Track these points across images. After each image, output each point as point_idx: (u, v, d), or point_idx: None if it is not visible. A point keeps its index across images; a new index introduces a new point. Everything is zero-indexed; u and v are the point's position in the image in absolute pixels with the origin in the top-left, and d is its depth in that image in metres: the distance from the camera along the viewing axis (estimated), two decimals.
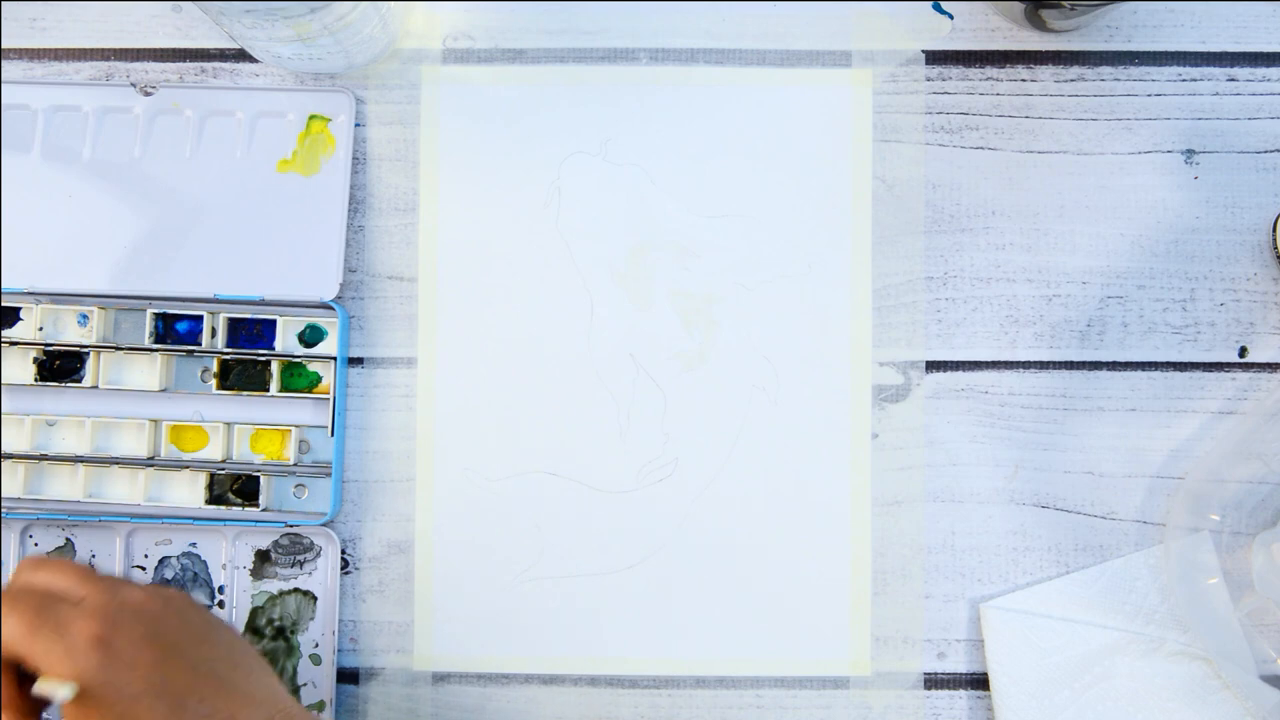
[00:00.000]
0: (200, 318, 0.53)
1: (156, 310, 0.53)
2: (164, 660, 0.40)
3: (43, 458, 0.52)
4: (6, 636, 0.39)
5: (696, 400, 0.54)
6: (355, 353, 0.54)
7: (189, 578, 0.53)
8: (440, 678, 0.53)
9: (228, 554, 0.53)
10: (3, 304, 0.53)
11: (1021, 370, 0.54)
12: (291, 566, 0.53)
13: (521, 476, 0.54)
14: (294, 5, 0.45)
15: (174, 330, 0.53)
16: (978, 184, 0.54)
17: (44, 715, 0.41)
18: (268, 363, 0.53)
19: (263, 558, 0.53)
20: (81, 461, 0.52)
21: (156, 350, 0.53)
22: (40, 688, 0.38)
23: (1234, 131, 0.54)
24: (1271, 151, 0.54)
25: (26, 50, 0.55)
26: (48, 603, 0.40)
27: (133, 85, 0.54)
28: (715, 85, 0.55)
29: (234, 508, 0.52)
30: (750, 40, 0.55)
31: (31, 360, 0.53)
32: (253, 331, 0.53)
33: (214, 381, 0.53)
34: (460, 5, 0.55)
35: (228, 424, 0.53)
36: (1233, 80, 0.54)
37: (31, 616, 0.39)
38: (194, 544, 0.53)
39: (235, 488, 0.53)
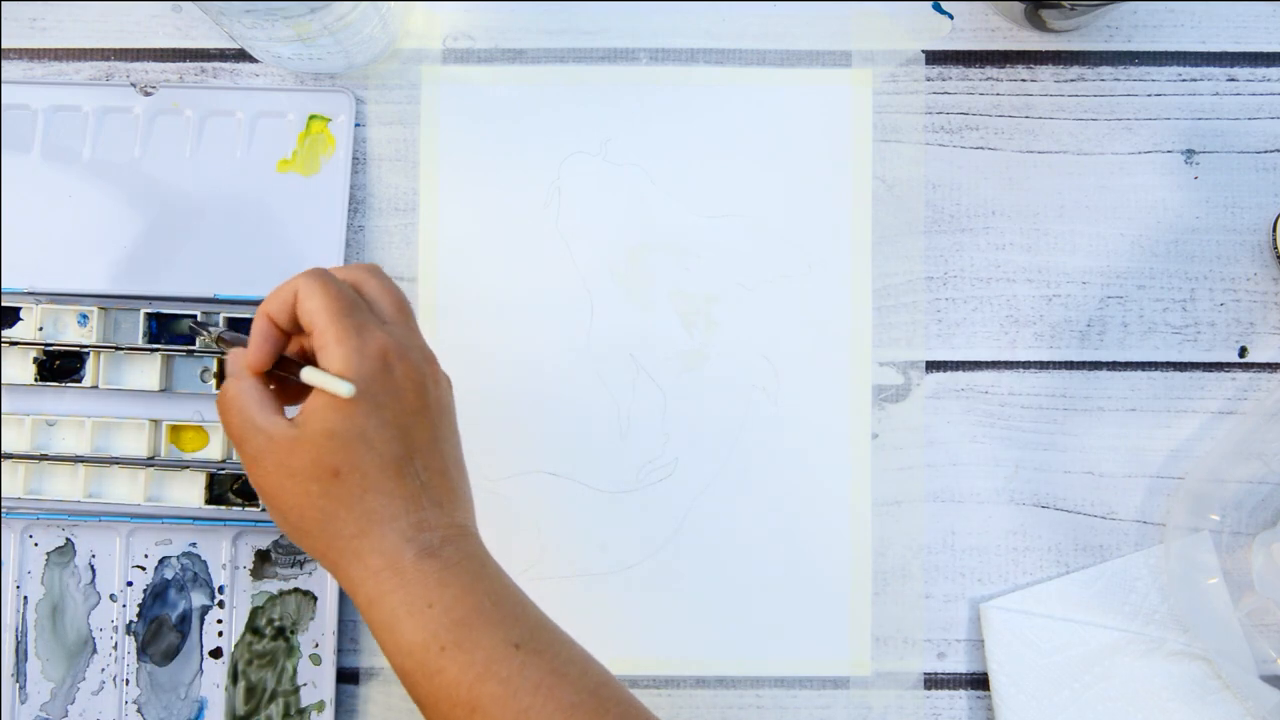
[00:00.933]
0: (195, 318, 0.53)
1: (150, 310, 0.53)
2: (421, 413, 0.40)
3: (43, 458, 0.52)
4: (315, 308, 0.39)
5: (696, 400, 0.54)
6: None
7: (189, 578, 0.53)
8: None
9: (228, 554, 0.53)
10: (3, 304, 0.53)
11: (1021, 370, 0.54)
12: (291, 566, 0.53)
13: (521, 476, 0.54)
14: (294, 5, 0.45)
15: (168, 330, 0.53)
16: (978, 184, 0.54)
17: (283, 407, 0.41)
18: None
19: (263, 558, 0.53)
20: (81, 461, 0.52)
21: (156, 350, 0.53)
22: (319, 378, 0.39)
23: (1234, 131, 0.54)
24: (1271, 151, 0.54)
25: (26, 50, 0.55)
26: (362, 304, 0.41)
27: (133, 85, 0.54)
28: (715, 85, 0.55)
29: (234, 508, 0.52)
30: (750, 40, 0.55)
31: (31, 360, 0.53)
32: None
33: (214, 382, 0.53)
34: (460, 5, 0.55)
35: None
36: (1233, 80, 0.54)
37: (345, 304, 0.40)
38: (194, 544, 0.53)
39: (235, 488, 0.53)
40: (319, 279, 0.40)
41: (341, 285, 0.41)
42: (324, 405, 0.39)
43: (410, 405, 0.40)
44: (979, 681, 0.53)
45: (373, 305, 0.42)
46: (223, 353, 0.51)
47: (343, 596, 0.53)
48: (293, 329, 0.41)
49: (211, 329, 0.48)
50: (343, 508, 0.39)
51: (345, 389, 0.38)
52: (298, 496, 0.39)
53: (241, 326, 0.52)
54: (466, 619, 0.38)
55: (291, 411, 0.41)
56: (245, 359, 0.41)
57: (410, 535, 0.39)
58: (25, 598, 0.53)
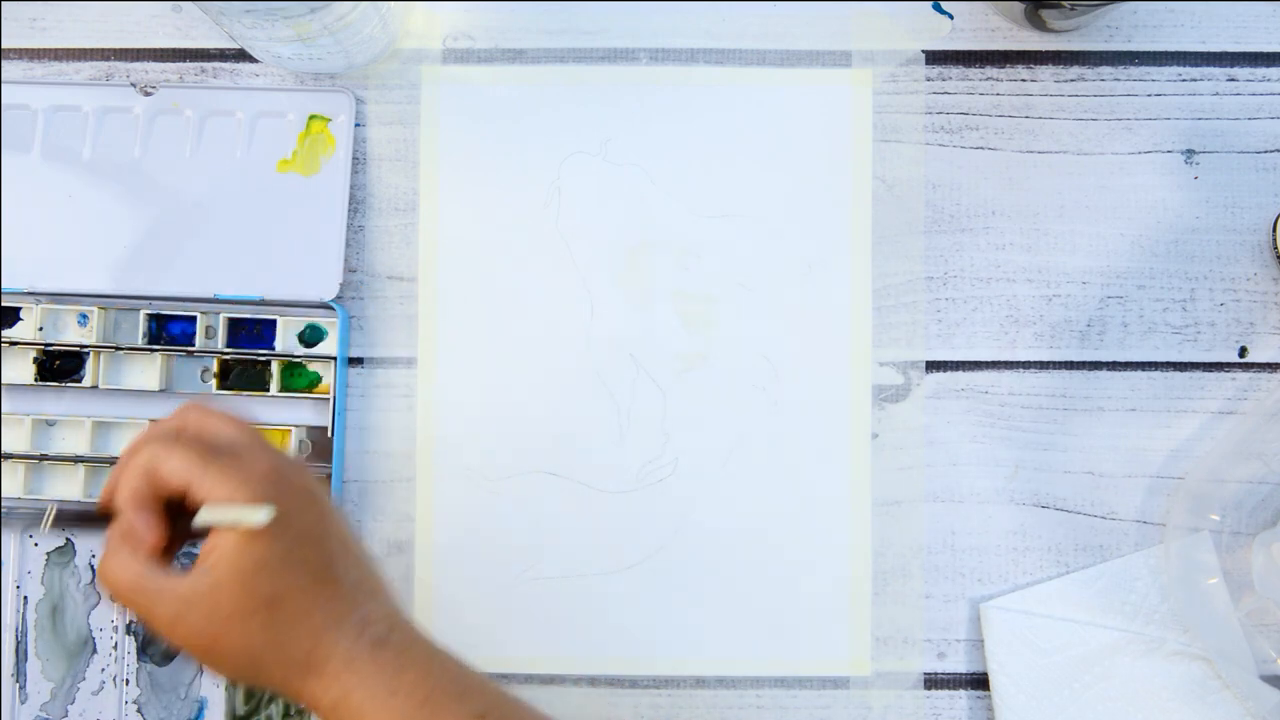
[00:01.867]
0: (194, 319, 0.53)
1: (150, 311, 0.53)
2: (323, 519, 0.40)
3: (43, 458, 0.52)
4: (170, 468, 0.38)
5: (696, 400, 0.54)
6: (355, 353, 0.54)
7: None
8: None
9: None
10: (3, 304, 0.53)
11: (1021, 370, 0.54)
12: None
13: (521, 476, 0.53)
14: (294, 5, 0.45)
15: (167, 330, 0.53)
16: (978, 184, 0.54)
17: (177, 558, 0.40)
18: (268, 363, 0.53)
19: None
20: (81, 461, 0.52)
21: (156, 350, 0.53)
22: (229, 514, 0.37)
23: (1234, 131, 0.54)
24: (1271, 151, 0.54)
25: (26, 50, 0.55)
26: (218, 442, 0.40)
27: (133, 85, 0.54)
28: (715, 85, 0.55)
29: None
30: (750, 40, 0.55)
31: (31, 360, 0.53)
32: (253, 331, 0.53)
33: (214, 381, 0.53)
34: (460, 5, 0.55)
35: None
36: (1233, 80, 0.54)
37: (202, 449, 0.39)
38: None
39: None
40: (163, 440, 0.39)
41: (186, 435, 0.40)
42: (233, 543, 0.38)
43: (313, 512, 0.40)
44: (979, 681, 0.53)
45: (219, 438, 0.40)
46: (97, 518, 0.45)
47: None
48: (160, 502, 0.40)
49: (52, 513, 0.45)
50: (290, 631, 0.38)
51: (263, 515, 0.37)
52: (241, 637, 0.38)
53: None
54: (430, 698, 0.39)
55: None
56: (142, 543, 0.39)
57: (359, 632, 0.39)
58: (25, 598, 0.53)
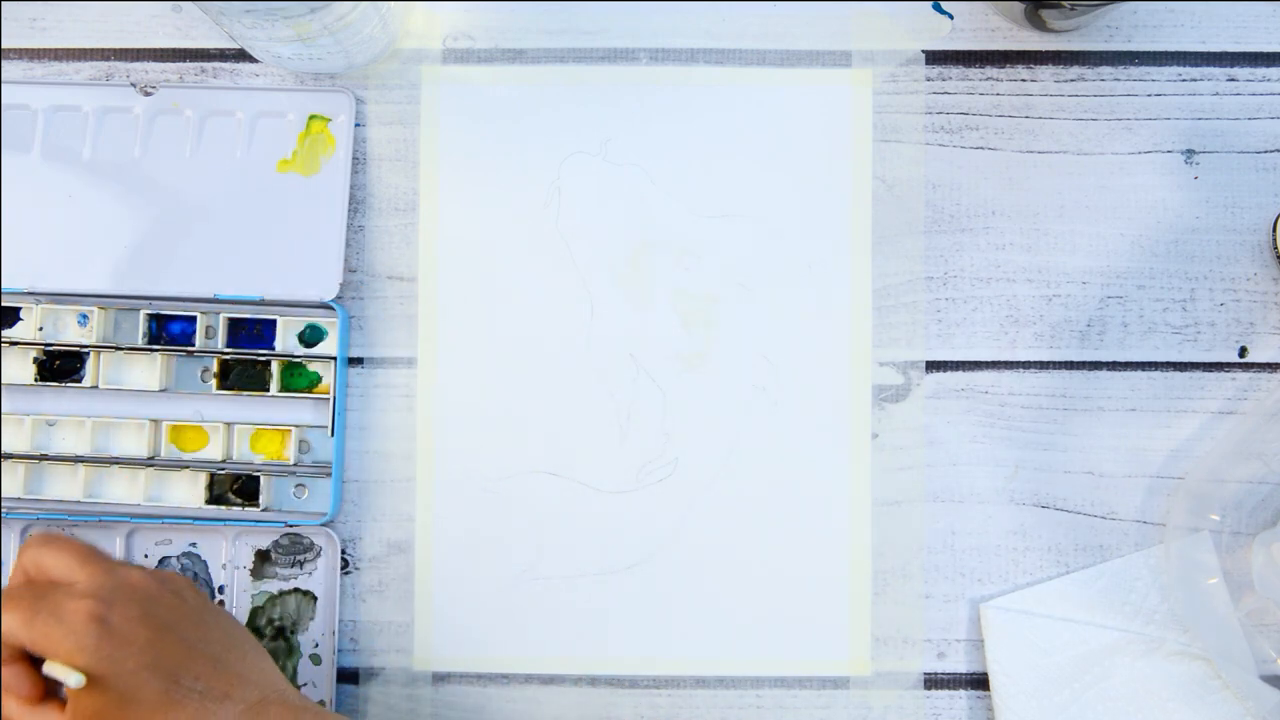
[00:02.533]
0: (194, 318, 0.53)
1: (151, 311, 0.53)
2: (159, 638, 0.41)
3: (43, 458, 0.52)
4: (7, 629, 0.40)
5: (696, 400, 0.54)
6: (355, 353, 0.54)
7: (189, 578, 0.53)
8: (440, 678, 0.53)
9: (228, 554, 0.53)
10: (3, 304, 0.53)
11: (1021, 370, 0.54)
12: (291, 566, 0.53)
13: (521, 476, 0.54)
14: (294, 5, 0.45)
15: (167, 330, 0.53)
16: (978, 184, 0.54)
17: (61, 694, 0.42)
18: (268, 363, 0.53)
19: (263, 558, 0.53)
20: (81, 461, 0.52)
21: (156, 350, 0.53)
22: (50, 670, 0.40)
23: (1234, 131, 0.54)
24: (1271, 151, 0.54)
25: (26, 50, 0.55)
26: (45, 590, 0.41)
27: (133, 85, 0.54)
28: (715, 85, 0.55)
29: (234, 508, 0.52)
30: (750, 40, 0.55)
31: (31, 360, 0.53)
32: (253, 331, 0.53)
33: (214, 381, 0.53)
34: (460, 5, 0.55)
35: (228, 424, 0.53)
36: (1233, 80, 0.54)
37: (29, 604, 0.40)
38: (194, 544, 0.53)
39: (235, 488, 0.53)
40: (7, 596, 0.41)
41: (16, 590, 0.41)
42: (72, 695, 0.40)
43: (144, 640, 0.41)
44: (979, 681, 0.53)
45: (55, 574, 0.42)
46: None
47: (343, 597, 0.53)
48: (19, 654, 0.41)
49: None
50: None
51: (75, 680, 0.39)
52: None
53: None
54: None
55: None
56: (21, 693, 0.41)
57: None
58: None
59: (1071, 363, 0.54)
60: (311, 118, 0.54)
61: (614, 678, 0.53)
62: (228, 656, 0.42)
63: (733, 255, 0.54)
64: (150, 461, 0.53)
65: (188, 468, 0.53)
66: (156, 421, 0.53)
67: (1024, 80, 0.54)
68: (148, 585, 0.42)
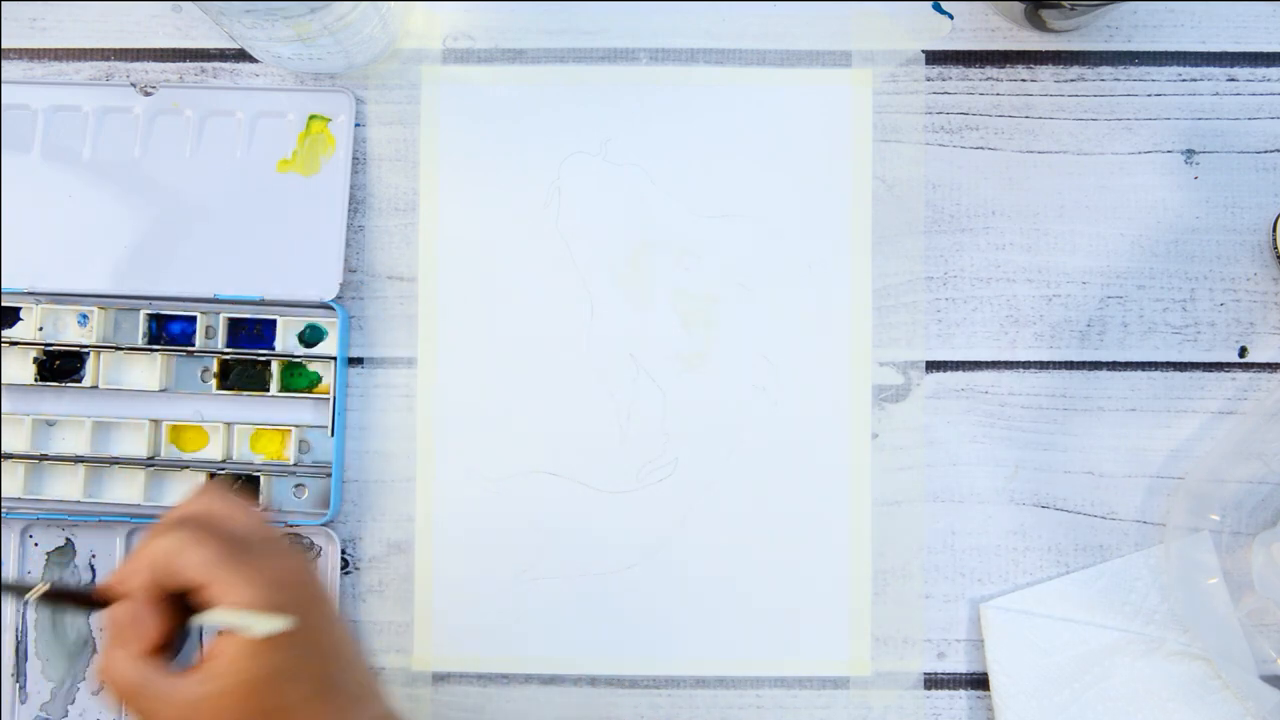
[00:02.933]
0: (194, 318, 0.53)
1: (151, 311, 0.53)
2: (329, 625, 0.39)
3: (43, 458, 0.52)
4: (199, 561, 0.37)
5: (696, 400, 0.54)
6: (355, 353, 0.54)
7: None
8: (440, 678, 0.53)
9: None
10: (3, 304, 0.53)
11: (1021, 370, 0.54)
12: None
13: (521, 476, 0.53)
14: (294, 5, 0.45)
15: (167, 330, 0.53)
16: (978, 184, 0.54)
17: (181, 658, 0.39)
18: (268, 363, 0.53)
19: None
20: (81, 461, 0.52)
21: (156, 350, 0.53)
22: (243, 620, 0.36)
23: (1234, 131, 0.54)
24: (1271, 151, 0.54)
25: (26, 50, 0.55)
26: (235, 537, 0.39)
27: (133, 85, 0.54)
28: (715, 85, 0.55)
29: None
30: (750, 40, 0.55)
31: (31, 360, 0.53)
32: (253, 331, 0.53)
33: (214, 381, 0.53)
34: (460, 5, 0.55)
35: (228, 424, 0.53)
36: (1233, 80, 0.54)
37: (225, 546, 0.38)
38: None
39: (235, 488, 0.53)
40: (188, 531, 0.38)
41: (211, 528, 0.38)
42: (241, 650, 0.37)
43: (321, 620, 0.39)
44: (979, 681, 0.53)
45: (237, 533, 0.39)
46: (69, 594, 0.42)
47: (343, 597, 0.53)
48: (169, 595, 0.38)
49: (38, 584, 0.41)
50: None
51: (279, 625, 0.36)
52: None
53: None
54: None
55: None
56: (145, 639, 0.38)
57: None
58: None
59: (1071, 363, 0.54)
60: (311, 118, 0.54)
61: (614, 678, 0.53)
62: (363, 658, 0.41)
63: (733, 255, 0.54)
64: (150, 461, 0.53)
65: (188, 468, 0.53)
66: (156, 421, 0.53)
67: (1024, 80, 0.54)
68: (299, 551, 0.41)
